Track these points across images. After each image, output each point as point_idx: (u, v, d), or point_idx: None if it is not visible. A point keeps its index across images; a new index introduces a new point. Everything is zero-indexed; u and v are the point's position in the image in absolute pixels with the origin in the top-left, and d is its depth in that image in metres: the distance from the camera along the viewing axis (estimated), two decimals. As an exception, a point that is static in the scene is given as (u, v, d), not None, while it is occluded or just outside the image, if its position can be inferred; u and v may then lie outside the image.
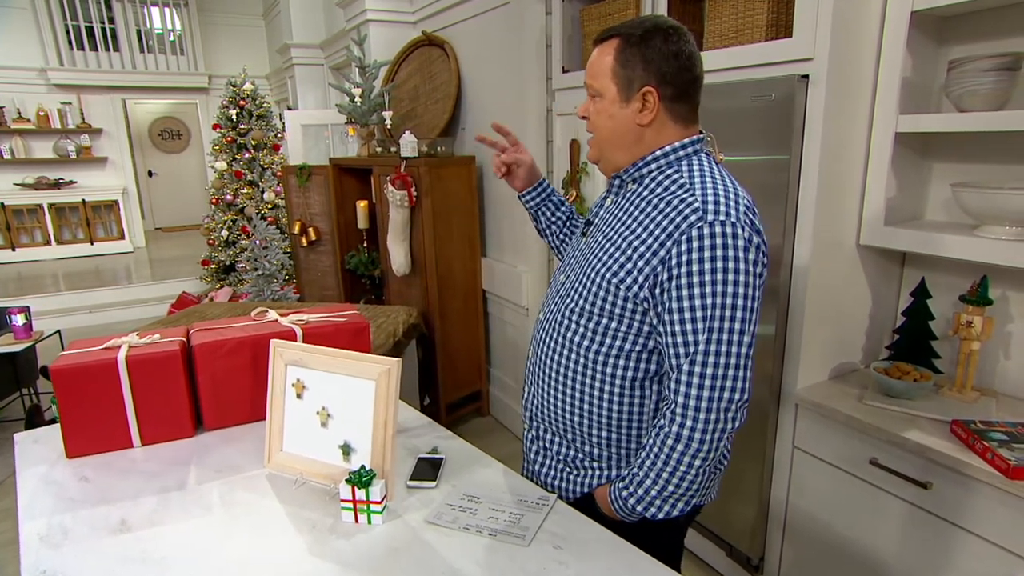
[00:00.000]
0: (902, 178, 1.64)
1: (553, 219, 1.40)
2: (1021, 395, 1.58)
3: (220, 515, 1.05)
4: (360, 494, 1.01)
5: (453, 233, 3.08)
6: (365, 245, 3.67)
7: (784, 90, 1.55)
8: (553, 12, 2.40)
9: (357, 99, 3.32)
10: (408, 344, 2.89)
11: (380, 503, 1.02)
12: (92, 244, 7.81)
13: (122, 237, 8.00)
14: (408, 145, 2.93)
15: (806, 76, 1.53)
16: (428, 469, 1.18)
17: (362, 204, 3.55)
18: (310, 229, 3.77)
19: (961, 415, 1.46)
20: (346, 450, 1.12)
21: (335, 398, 1.12)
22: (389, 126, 3.35)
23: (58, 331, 3.55)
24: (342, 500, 1.02)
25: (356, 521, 1.03)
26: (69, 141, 7.69)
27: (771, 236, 1.64)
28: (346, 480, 1.02)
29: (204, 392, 1.36)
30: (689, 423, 0.95)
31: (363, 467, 1.03)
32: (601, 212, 1.15)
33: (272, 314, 1.52)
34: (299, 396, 1.16)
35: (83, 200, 7.70)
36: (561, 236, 1.41)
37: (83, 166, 7.85)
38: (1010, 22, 1.49)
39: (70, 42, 7.61)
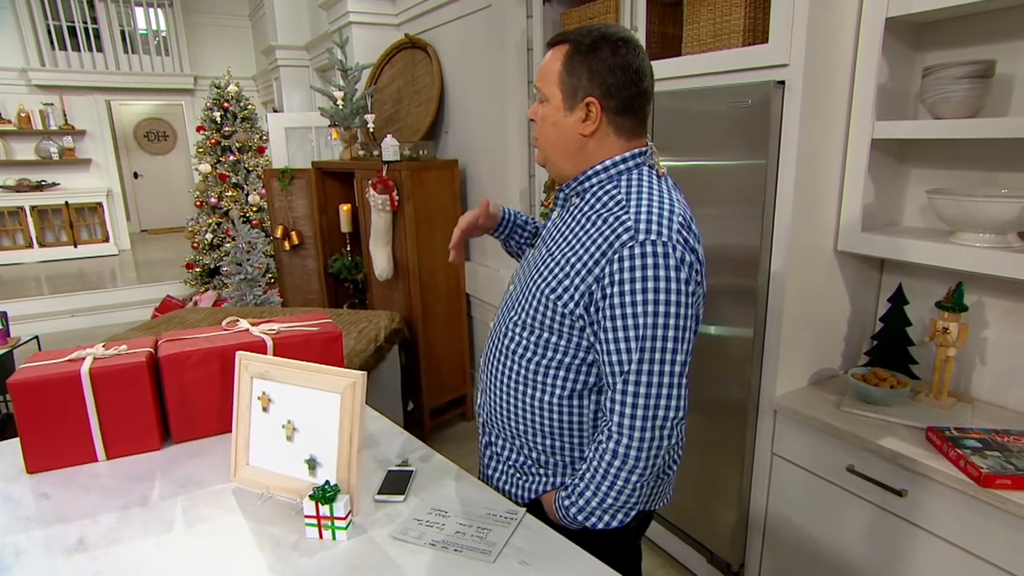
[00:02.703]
0: (879, 184, 1.64)
1: (523, 240, 1.39)
2: (996, 401, 1.58)
3: (181, 532, 1.03)
4: (324, 510, 0.99)
5: (436, 237, 3.06)
6: (348, 249, 3.64)
7: (760, 96, 1.55)
8: (534, 15, 2.39)
9: (339, 102, 3.29)
10: (391, 349, 2.86)
11: (344, 519, 1.00)
12: (76, 247, 7.71)
13: (106, 240, 7.91)
14: (390, 149, 2.91)
15: (782, 82, 1.52)
16: (397, 482, 1.16)
17: (345, 208, 3.52)
18: (293, 233, 3.74)
19: (937, 422, 1.46)
20: (312, 464, 1.09)
21: (301, 412, 1.10)
22: (372, 129, 3.32)
23: (35, 337, 3.50)
24: (306, 516, 1.00)
25: (320, 537, 1.01)
26: (51, 143, 7.59)
27: (748, 240, 1.64)
28: (310, 496, 1.00)
29: (171, 404, 1.33)
30: (625, 440, 0.96)
31: (327, 482, 1.01)
32: (548, 225, 1.15)
33: (243, 323, 1.49)
34: (265, 409, 1.14)
35: (66, 202, 7.60)
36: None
37: (66, 168, 7.76)
38: (985, 29, 1.49)
39: (52, 42, 7.51)
